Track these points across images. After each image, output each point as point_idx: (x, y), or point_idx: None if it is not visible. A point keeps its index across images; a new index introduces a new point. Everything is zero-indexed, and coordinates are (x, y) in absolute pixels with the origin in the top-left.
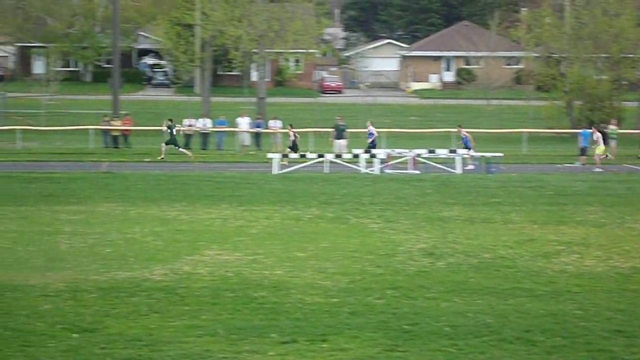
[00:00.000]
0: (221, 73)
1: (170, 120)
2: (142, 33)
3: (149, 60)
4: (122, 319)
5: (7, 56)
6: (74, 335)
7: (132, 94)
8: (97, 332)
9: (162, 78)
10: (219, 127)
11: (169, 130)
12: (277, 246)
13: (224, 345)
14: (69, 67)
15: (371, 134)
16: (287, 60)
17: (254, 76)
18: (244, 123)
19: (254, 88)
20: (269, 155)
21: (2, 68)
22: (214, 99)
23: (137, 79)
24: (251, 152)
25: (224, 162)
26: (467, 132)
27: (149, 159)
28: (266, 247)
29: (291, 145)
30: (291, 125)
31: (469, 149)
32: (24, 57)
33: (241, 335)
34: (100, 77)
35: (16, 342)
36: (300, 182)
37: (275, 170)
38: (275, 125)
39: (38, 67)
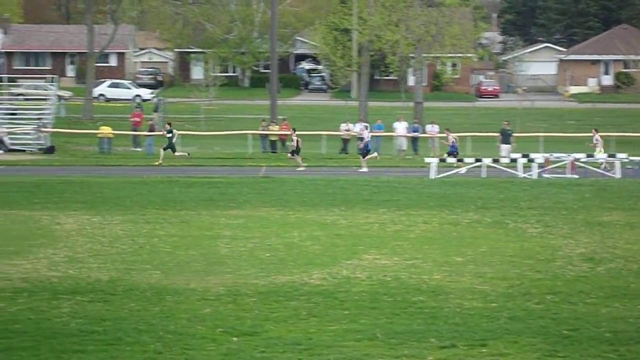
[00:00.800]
0: (378, 78)
1: (169, 124)
2: (299, 38)
3: (306, 65)
4: (281, 323)
5: (167, 62)
6: (234, 338)
7: (289, 99)
8: (257, 336)
9: (319, 83)
10: (376, 132)
11: (168, 135)
12: (435, 251)
13: (383, 349)
14: (227, 72)
15: (362, 137)
16: (444, 64)
17: (411, 81)
18: (401, 127)
19: (411, 92)
20: (427, 159)
21: (162, 74)
22: (371, 104)
23: (295, 84)
24: (408, 157)
25: (381, 167)
26: (455, 136)
27: (306, 164)
28: (424, 252)
29: (295, 149)
30: (294, 130)
31: (458, 153)
32: (183, 63)
33: (400, 340)
34: (258, 82)
35: (177, 345)
36: (457, 186)
37: (433, 174)
38: (432, 129)
39: (197, 72)
